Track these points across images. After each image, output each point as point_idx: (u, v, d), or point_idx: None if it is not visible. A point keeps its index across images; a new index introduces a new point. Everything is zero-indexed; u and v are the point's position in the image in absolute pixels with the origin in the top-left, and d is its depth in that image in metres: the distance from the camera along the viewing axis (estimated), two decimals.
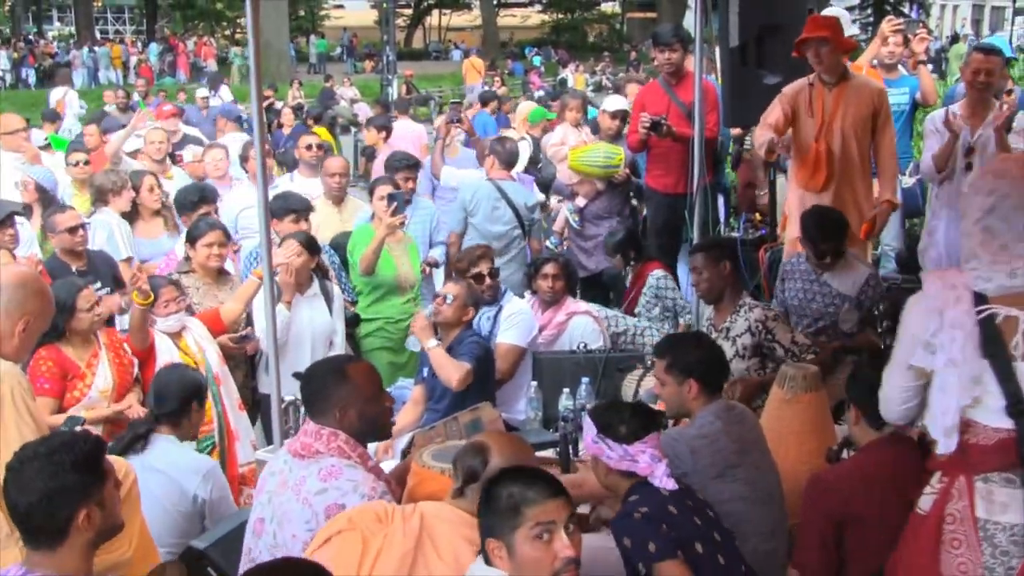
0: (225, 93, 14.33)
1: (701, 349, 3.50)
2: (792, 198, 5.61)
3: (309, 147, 7.34)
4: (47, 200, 6.37)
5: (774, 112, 5.36)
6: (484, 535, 2.46)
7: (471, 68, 24.37)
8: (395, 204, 5.67)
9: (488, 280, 5.12)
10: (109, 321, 5.09)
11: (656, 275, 5.99)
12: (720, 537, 2.92)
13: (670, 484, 2.91)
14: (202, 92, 14.31)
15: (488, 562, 2.43)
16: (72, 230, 5.35)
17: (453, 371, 4.51)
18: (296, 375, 4.17)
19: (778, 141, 5.22)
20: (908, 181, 6.87)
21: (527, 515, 2.37)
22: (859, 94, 5.33)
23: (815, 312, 4.96)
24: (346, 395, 3.10)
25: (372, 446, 3.67)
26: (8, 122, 7.41)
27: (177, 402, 3.97)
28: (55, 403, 4.24)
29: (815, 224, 4.89)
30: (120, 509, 2.62)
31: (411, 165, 6.53)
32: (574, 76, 27.94)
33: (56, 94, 16.29)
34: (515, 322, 5.09)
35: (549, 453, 4.05)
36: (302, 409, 4.70)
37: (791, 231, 5.57)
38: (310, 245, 5.29)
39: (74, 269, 5.31)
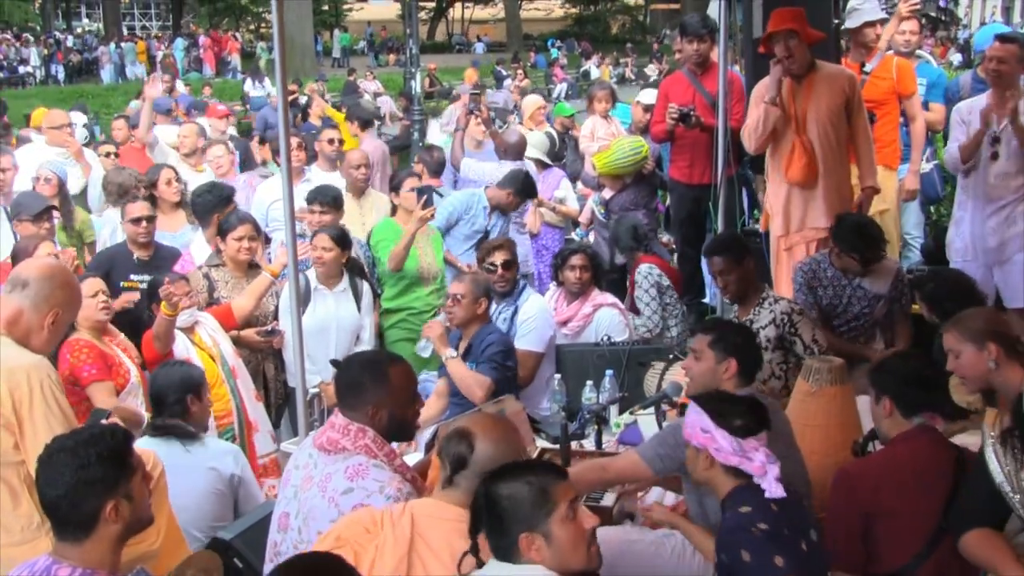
0: (269, 86, 14.25)
1: (745, 337, 3.60)
2: (774, 193, 5.49)
3: (331, 141, 7.36)
4: (64, 196, 6.26)
5: (753, 114, 5.33)
6: (514, 533, 2.35)
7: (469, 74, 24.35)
8: (425, 197, 5.68)
9: (501, 271, 5.09)
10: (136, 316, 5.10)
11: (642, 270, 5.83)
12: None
13: (779, 491, 2.76)
14: (269, 90, 14.15)
15: (511, 559, 2.36)
16: (136, 221, 5.38)
17: (476, 387, 4.48)
18: (334, 363, 4.18)
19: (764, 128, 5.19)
20: (926, 167, 6.75)
21: (557, 497, 2.36)
22: (830, 83, 5.26)
23: (852, 316, 4.92)
24: (382, 395, 3.04)
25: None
26: (54, 117, 7.44)
27: (174, 400, 3.99)
28: (114, 385, 4.25)
29: (858, 236, 4.76)
30: (149, 503, 2.64)
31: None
32: (600, 69, 27.88)
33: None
34: (532, 327, 5.04)
35: (575, 445, 4.06)
36: (326, 401, 4.76)
37: (775, 227, 5.47)
38: (341, 240, 5.30)
39: (135, 257, 5.36)
